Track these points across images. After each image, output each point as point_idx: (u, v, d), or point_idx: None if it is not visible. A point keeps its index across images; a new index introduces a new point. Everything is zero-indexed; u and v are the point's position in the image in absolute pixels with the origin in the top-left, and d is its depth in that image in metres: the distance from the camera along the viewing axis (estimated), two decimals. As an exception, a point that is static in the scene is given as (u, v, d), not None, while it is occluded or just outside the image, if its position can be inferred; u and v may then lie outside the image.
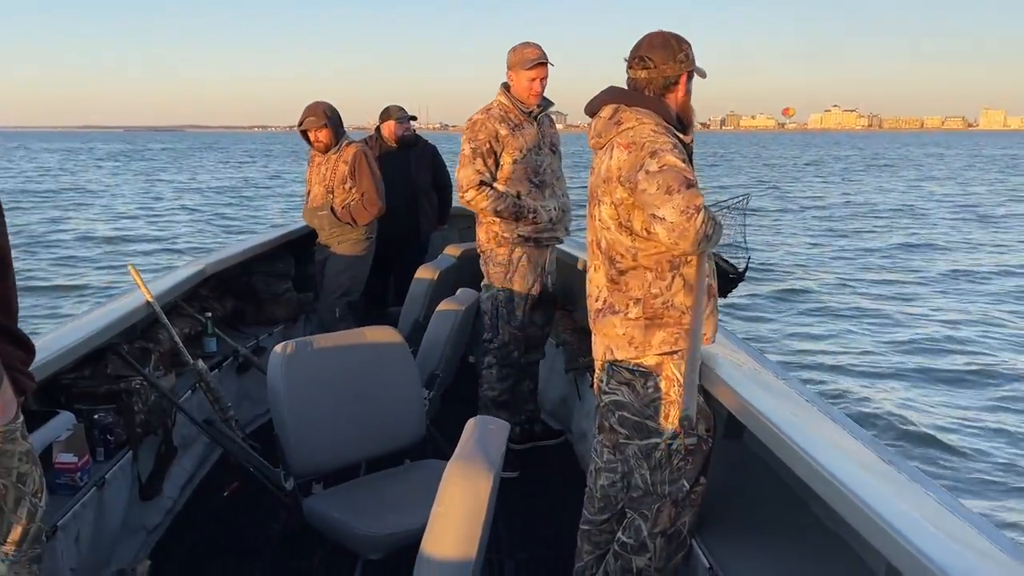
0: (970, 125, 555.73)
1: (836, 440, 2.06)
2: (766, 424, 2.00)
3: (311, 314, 4.88)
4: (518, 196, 3.46)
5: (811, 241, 17.65)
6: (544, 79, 3.43)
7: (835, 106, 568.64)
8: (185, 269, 3.91)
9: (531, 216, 3.48)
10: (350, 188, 4.33)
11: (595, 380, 2.47)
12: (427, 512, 1.52)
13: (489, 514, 1.70)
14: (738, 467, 2.47)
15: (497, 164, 3.46)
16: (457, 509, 1.54)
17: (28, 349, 1.71)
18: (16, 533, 1.63)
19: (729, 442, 2.43)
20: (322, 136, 4.37)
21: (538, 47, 3.42)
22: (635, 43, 2.24)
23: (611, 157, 2.18)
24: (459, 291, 3.24)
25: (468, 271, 3.72)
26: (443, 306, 3.09)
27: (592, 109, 2.32)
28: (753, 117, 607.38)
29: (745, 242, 2.41)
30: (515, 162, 3.44)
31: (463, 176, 3.46)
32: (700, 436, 2.31)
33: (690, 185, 2.04)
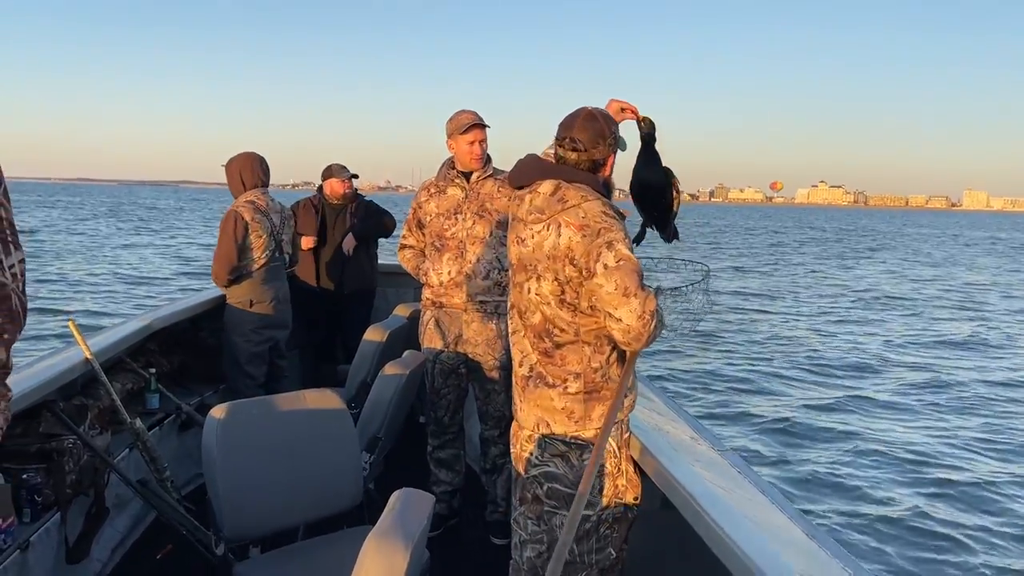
0: (953, 205, 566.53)
1: (759, 515, 2.04)
2: (686, 497, 1.99)
3: None
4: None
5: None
6: (483, 141, 3.42)
7: (822, 182, 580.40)
8: (131, 324, 3.88)
9: (423, 278, 3.57)
10: None
11: (517, 449, 2.42)
12: None
13: None
14: (666, 533, 2.44)
15: (422, 230, 3.62)
16: None
17: None
18: None
19: (662, 509, 2.41)
20: None
21: (472, 112, 3.41)
22: (565, 121, 2.25)
23: (559, 235, 2.16)
24: (405, 353, 3.22)
25: (417, 331, 3.71)
26: (387, 369, 3.07)
27: (523, 181, 2.32)
28: (742, 190, 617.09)
29: (704, 318, 2.44)
30: (425, 226, 3.57)
31: None
32: (627, 505, 2.29)
33: (643, 281, 2.11)
